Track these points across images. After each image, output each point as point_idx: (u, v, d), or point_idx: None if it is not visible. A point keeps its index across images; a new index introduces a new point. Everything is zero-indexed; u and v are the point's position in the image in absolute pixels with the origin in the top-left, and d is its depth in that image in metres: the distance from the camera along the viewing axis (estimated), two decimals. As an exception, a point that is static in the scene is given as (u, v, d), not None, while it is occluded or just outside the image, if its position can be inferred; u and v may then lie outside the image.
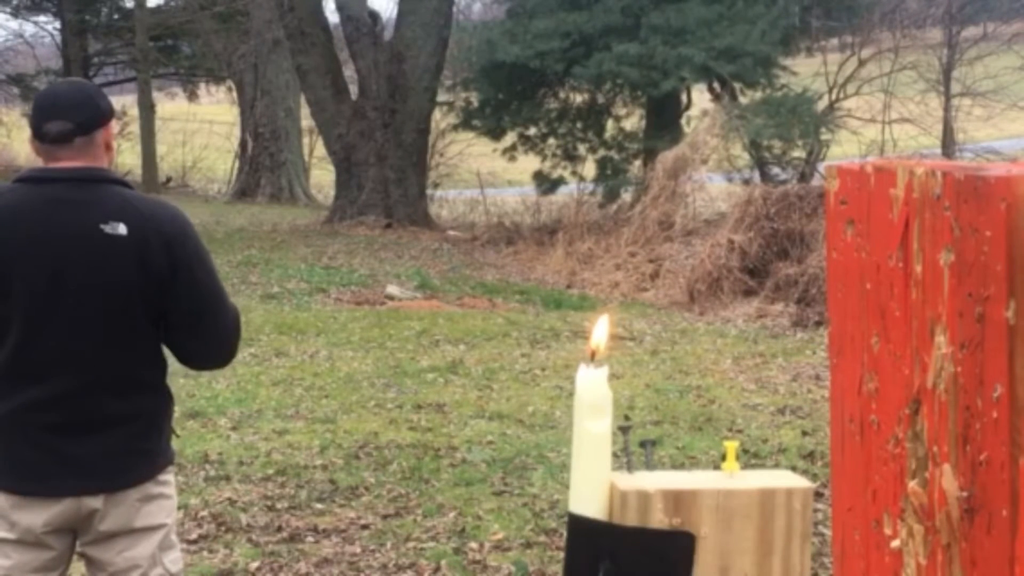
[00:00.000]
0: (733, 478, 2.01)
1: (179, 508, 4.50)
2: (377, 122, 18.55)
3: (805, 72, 20.48)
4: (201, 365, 3.21)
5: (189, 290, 2.93)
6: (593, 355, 1.96)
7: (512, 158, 19.83)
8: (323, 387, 8.27)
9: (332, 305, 12.24)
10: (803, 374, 9.00)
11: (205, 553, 5.14)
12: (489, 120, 19.34)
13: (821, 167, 18.25)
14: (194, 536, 5.31)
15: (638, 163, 18.88)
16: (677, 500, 1.93)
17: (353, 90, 19.10)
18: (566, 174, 19.40)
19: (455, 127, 21.10)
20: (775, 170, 18.87)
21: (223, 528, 5.44)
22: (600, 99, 19.57)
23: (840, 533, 1.51)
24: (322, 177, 26.83)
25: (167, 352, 3.04)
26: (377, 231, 17.79)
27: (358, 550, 5.19)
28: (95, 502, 2.91)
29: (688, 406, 7.85)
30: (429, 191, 20.87)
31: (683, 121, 18.93)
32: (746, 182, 17.99)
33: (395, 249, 16.24)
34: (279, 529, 5.44)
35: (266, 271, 13.93)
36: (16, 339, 2.86)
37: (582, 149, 19.44)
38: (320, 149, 23.99)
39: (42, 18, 30.38)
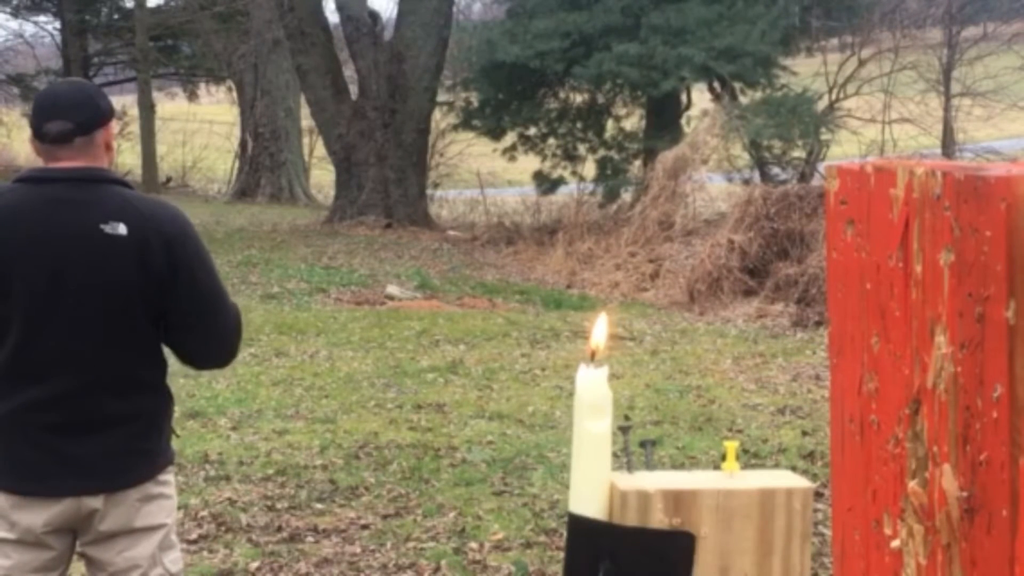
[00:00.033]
0: (733, 478, 2.01)
1: (179, 508, 4.50)
2: (377, 122, 18.55)
3: (805, 72, 20.48)
4: (203, 365, 3.21)
5: (190, 290, 2.93)
6: (593, 355, 1.96)
7: (512, 158, 19.83)
8: (323, 387, 8.27)
9: (332, 305, 12.24)
10: (803, 374, 9.00)
11: (205, 553, 5.15)
12: (489, 120, 19.34)
13: (821, 167, 18.26)
14: (194, 536, 5.31)
15: (638, 163, 18.88)
16: (677, 500, 1.93)
17: (353, 90, 19.10)
18: (566, 174, 19.40)
19: (455, 127, 21.10)
20: (775, 170, 18.87)
21: (223, 528, 5.44)
22: (600, 99, 19.57)
23: (840, 533, 1.51)
24: (322, 177, 26.83)
25: (167, 352, 3.04)
26: (377, 231, 17.79)
27: (358, 550, 5.20)
28: (95, 502, 2.91)
29: (688, 406, 7.85)
30: (429, 191, 20.87)
31: (683, 121, 18.93)
32: (746, 182, 17.99)
33: (395, 249, 16.24)
34: (279, 529, 5.44)
35: (266, 271, 13.93)
36: (16, 339, 2.86)
37: (582, 149, 19.45)
38: (320, 149, 23.99)
39: (42, 18, 30.42)
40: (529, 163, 19.96)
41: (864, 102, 21.47)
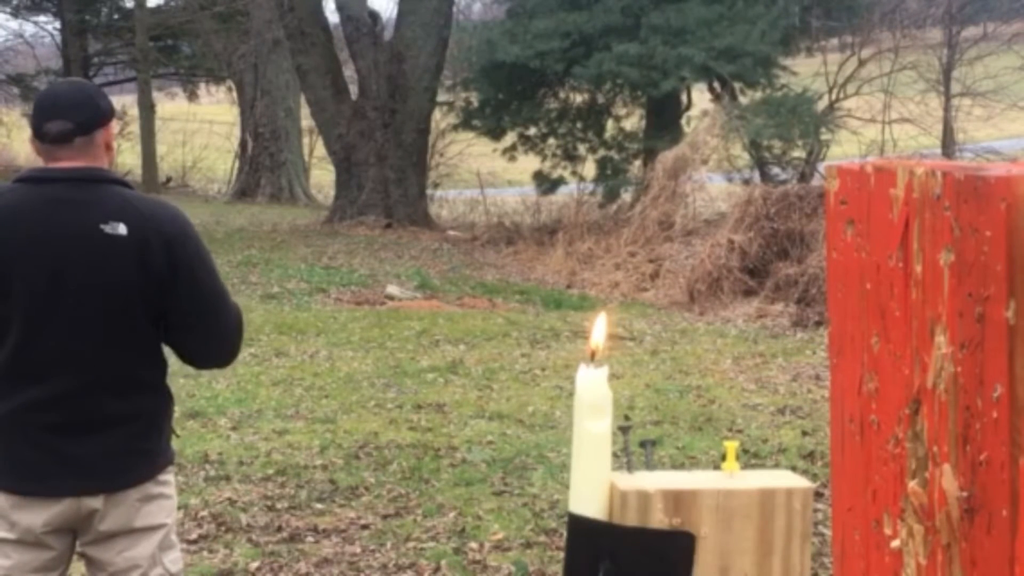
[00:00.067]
0: (733, 478, 2.01)
1: (179, 508, 4.50)
2: (377, 122, 18.55)
3: (805, 72, 20.48)
4: (204, 365, 3.21)
5: (190, 290, 2.93)
6: (593, 355, 1.96)
7: (512, 158, 19.84)
8: (323, 387, 8.27)
9: (332, 305, 12.24)
10: (803, 374, 9.00)
11: (205, 553, 5.15)
12: (489, 120, 19.35)
13: (821, 167, 18.26)
14: (194, 536, 5.31)
15: (638, 163, 18.88)
16: (677, 500, 1.93)
17: (353, 90, 19.10)
18: (566, 174, 19.41)
19: (455, 127, 21.10)
20: (775, 170, 18.87)
21: (223, 528, 5.44)
22: (600, 99, 19.57)
23: (840, 533, 1.51)
24: (322, 177, 26.83)
25: (168, 352, 3.04)
26: (377, 231, 17.79)
27: (358, 550, 5.20)
28: (95, 502, 2.91)
29: (688, 406, 7.85)
30: (429, 191, 20.87)
31: (683, 121, 18.93)
32: (746, 182, 17.99)
33: (395, 249, 16.24)
34: (279, 529, 5.44)
35: (266, 271, 13.94)
36: (16, 339, 2.86)
37: (582, 149, 19.45)
38: (320, 149, 23.99)
39: (42, 18, 30.42)
40: (529, 163, 19.96)
41: (864, 102, 21.47)
